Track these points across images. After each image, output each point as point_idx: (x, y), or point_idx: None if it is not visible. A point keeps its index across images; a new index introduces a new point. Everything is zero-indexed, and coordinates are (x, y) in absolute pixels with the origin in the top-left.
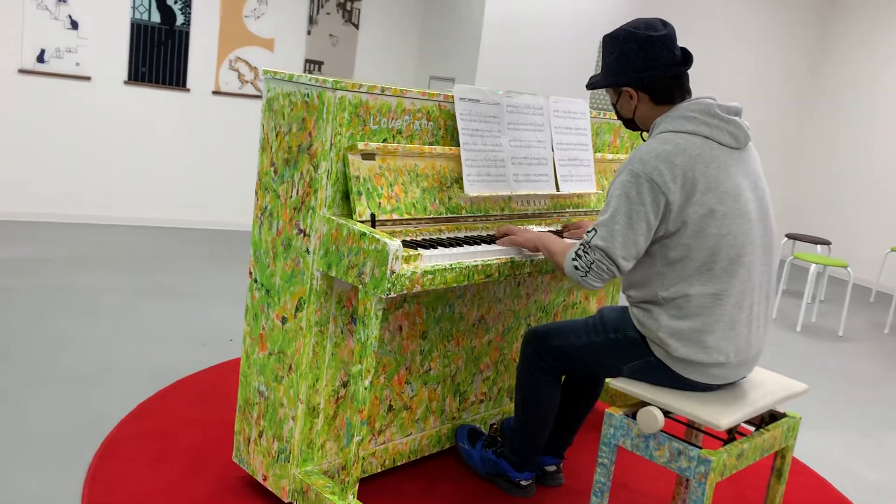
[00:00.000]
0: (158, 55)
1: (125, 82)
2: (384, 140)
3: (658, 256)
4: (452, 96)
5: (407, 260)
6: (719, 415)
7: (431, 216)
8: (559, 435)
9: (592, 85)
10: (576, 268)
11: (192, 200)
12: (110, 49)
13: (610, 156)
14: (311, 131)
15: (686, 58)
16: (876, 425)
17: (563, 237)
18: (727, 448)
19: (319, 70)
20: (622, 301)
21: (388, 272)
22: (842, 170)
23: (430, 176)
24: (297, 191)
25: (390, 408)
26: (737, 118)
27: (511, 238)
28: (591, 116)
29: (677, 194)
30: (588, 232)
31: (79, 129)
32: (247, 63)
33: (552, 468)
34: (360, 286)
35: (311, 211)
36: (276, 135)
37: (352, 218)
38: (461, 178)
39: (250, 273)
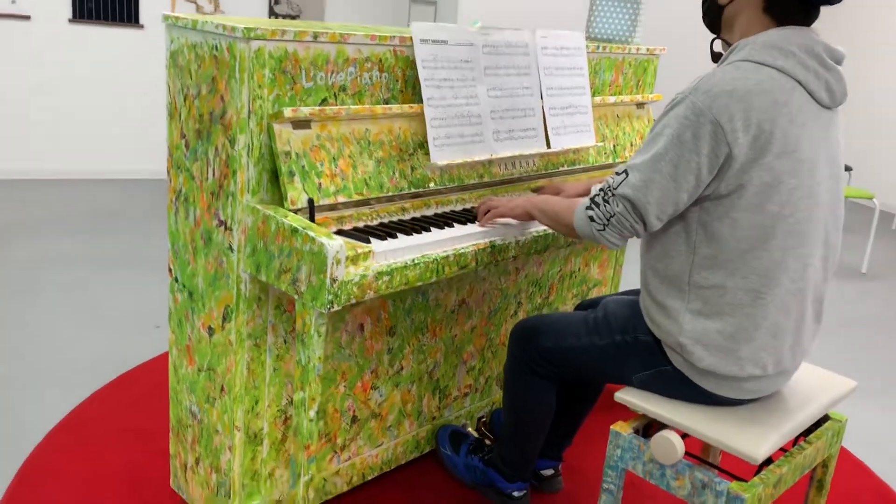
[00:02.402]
0: None
1: (70, 20)
2: (323, 101)
3: (694, 223)
4: (411, 38)
5: (354, 260)
6: (754, 443)
7: (390, 194)
8: (556, 435)
9: None
10: (591, 219)
11: (151, 149)
12: None
13: (612, 98)
14: (223, 95)
15: None
16: None
17: None
18: (763, 477)
19: None
20: (626, 281)
21: (329, 280)
22: (863, 94)
23: (387, 142)
24: (213, 171)
25: (354, 419)
26: (839, 68)
27: (496, 212)
28: (588, 51)
29: (745, 148)
30: (615, 174)
31: (18, 75)
32: None
33: (549, 472)
34: (296, 296)
35: (230, 198)
36: (185, 98)
37: (283, 206)
38: (427, 142)
39: (170, 270)
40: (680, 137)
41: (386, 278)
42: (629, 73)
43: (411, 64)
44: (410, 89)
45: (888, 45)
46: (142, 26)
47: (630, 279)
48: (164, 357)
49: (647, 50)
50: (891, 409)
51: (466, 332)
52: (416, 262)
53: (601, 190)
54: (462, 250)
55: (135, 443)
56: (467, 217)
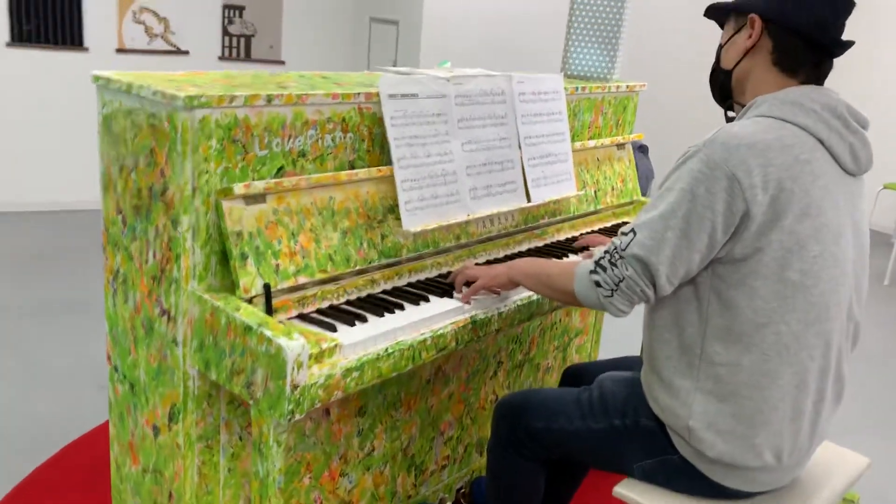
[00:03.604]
0: (45, 9)
1: (7, 44)
2: (280, 170)
3: (707, 290)
4: (377, 93)
5: (319, 358)
6: None
7: (358, 267)
8: None
9: (713, 8)
10: (597, 284)
11: (96, 181)
12: None
13: (592, 142)
14: (164, 169)
15: (842, 43)
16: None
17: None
18: None
19: (241, 16)
20: (609, 328)
21: (289, 388)
22: None
23: (354, 210)
24: (154, 253)
25: None
26: (864, 132)
27: (477, 285)
28: (567, 93)
29: (763, 206)
30: (622, 234)
31: None
32: (154, 13)
33: None
34: (251, 402)
35: (174, 285)
36: (121, 170)
37: (235, 293)
38: (398, 206)
39: (108, 357)
40: (693, 192)
41: (356, 374)
42: (609, 113)
43: (378, 121)
44: (378, 149)
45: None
46: (86, 49)
47: (613, 326)
48: (105, 428)
49: (627, 87)
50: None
51: (443, 401)
52: (389, 351)
53: (607, 252)
54: (440, 331)
55: None
56: (444, 285)
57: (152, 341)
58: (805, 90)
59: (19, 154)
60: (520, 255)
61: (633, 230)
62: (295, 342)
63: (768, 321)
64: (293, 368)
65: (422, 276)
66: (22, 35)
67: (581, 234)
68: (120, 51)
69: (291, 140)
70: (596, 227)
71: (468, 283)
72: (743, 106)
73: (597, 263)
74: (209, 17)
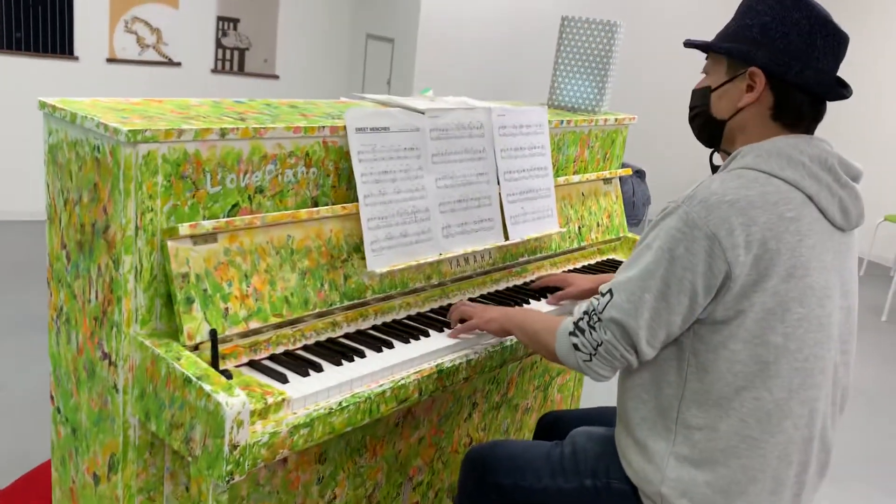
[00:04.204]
0: (37, 17)
1: None
2: (234, 207)
3: (687, 351)
4: (344, 127)
5: (264, 414)
6: None
7: (318, 310)
8: None
9: (706, 46)
10: (575, 347)
11: None
12: None
13: (576, 177)
14: (106, 206)
15: (841, 92)
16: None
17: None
18: None
19: (235, 28)
20: (606, 386)
21: (227, 448)
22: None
23: (315, 249)
24: (97, 293)
25: None
26: (856, 186)
27: (470, 324)
28: (551, 126)
29: (746, 267)
30: (599, 295)
31: None
32: (146, 23)
33: None
34: (189, 458)
35: (115, 328)
36: (65, 203)
37: (179, 339)
38: (364, 244)
39: (52, 397)
40: (672, 252)
41: (304, 431)
42: (595, 147)
43: (345, 155)
44: (345, 184)
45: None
46: (76, 58)
47: None
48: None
49: (616, 120)
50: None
51: (413, 445)
52: (343, 405)
53: (585, 313)
54: (402, 381)
55: None
56: (411, 329)
57: (94, 385)
58: (794, 141)
59: (13, 164)
60: (497, 294)
61: (610, 291)
62: (235, 399)
63: (748, 385)
64: (232, 427)
65: (389, 318)
66: (12, 42)
67: (557, 273)
68: (111, 60)
69: (248, 175)
70: (579, 265)
71: (463, 319)
72: (729, 154)
73: (575, 325)
74: (203, 29)
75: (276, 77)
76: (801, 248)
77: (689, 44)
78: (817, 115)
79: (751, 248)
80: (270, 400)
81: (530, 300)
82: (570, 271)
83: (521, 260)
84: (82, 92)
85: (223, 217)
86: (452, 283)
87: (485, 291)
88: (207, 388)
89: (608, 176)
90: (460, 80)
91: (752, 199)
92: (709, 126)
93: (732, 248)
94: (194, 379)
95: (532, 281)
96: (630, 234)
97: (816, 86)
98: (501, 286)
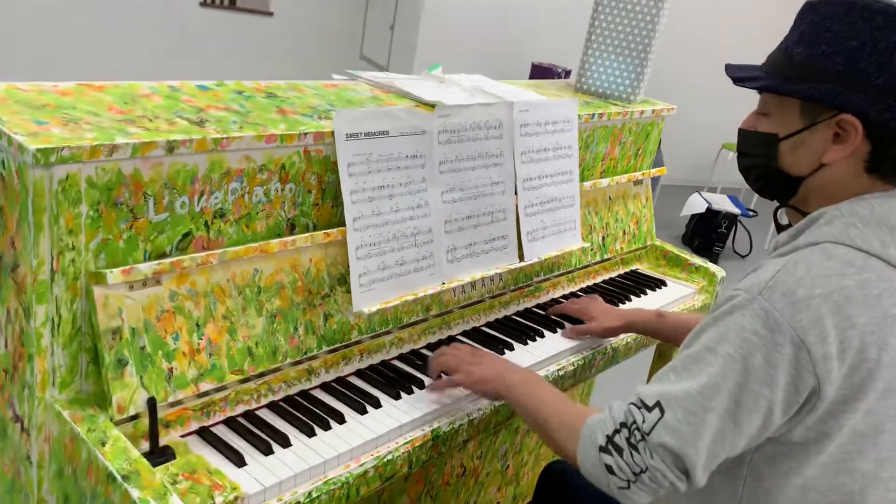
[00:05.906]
0: None
1: None
2: (184, 237)
3: (745, 469)
4: (332, 133)
5: None
6: None
7: (289, 361)
8: None
9: (771, 87)
10: (609, 469)
11: None
12: None
13: (605, 181)
14: (14, 239)
15: None
16: None
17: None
18: None
19: None
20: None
21: None
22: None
23: (288, 284)
24: (6, 342)
25: None
26: None
27: (456, 380)
28: (580, 120)
29: (838, 382)
30: (641, 404)
31: None
32: None
33: None
34: None
35: (27, 390)
36: None
37: (107, 409)
38: (350, 277)
39: None
40: (746, 361)
41: None
42: (628, 142)
43: (332, 166)
44: (331, 200)
45: None
46: None
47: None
48: None
49: (654, 111)
50: None
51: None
52: (313, 497)
53: (624, 426)
54: (388, 456)
55: None
56: (402, 376)
57: (6, 448)
58: (894, 202)
59: None
60: (505, 320)
61: (658, 405)
62: (170, 498)
63: None
64: None
65: (377, 359)
66: None
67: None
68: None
69: (204, 198)
70: (600, 279)
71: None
72: (803, 213)
73: (609, 440)
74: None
75: (271, 14)
76: None
77: (739, 79)
78: None
79: (845, 357)
80: (219, 499)
81: (544, 330)
82: (589, 288)
83: (535, 280)
84: (53, 23)
85: (171, 249)
86: (456, 310)
87: (491, 318)
88: (135, 493)
89: (640, 177)
90: (468, 36)
91: (850, 292)
92: (776, 181)
93: (824, 359)
94: (119, 479)
95: (546, 304)
96: (658, 242)
97: None
98: (511, 310)
